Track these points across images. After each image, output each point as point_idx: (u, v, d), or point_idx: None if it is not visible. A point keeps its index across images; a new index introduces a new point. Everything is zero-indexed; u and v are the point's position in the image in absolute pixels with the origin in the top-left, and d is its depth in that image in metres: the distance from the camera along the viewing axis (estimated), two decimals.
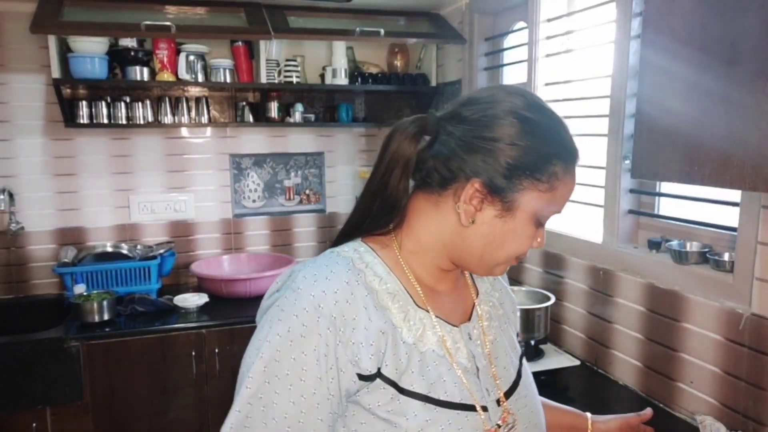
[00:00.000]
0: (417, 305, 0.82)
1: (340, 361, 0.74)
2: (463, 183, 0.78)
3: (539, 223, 0.82)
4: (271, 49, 2.67)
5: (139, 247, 2.70)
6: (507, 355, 0.91)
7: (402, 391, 0.76)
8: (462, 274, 0.93)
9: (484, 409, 0.81)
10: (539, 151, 0.77)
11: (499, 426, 0.83)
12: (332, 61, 2.74)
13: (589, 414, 1.11)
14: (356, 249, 0.83)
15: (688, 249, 1.54)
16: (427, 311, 0.82)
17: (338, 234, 0.89)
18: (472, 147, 0.78)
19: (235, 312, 2.39)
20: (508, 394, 0.87)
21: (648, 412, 1.15)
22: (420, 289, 0.83)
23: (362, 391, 0.76)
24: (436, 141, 0.81)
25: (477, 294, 0.93)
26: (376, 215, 0.84)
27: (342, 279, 0.77)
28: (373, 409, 0.76)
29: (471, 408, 0.80)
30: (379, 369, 0.76)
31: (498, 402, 0.85)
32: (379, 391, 0.76)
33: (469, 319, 0.88)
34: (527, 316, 1.80)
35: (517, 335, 0.99)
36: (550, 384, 1.75)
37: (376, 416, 0.76)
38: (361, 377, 0.75)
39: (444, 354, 0.81)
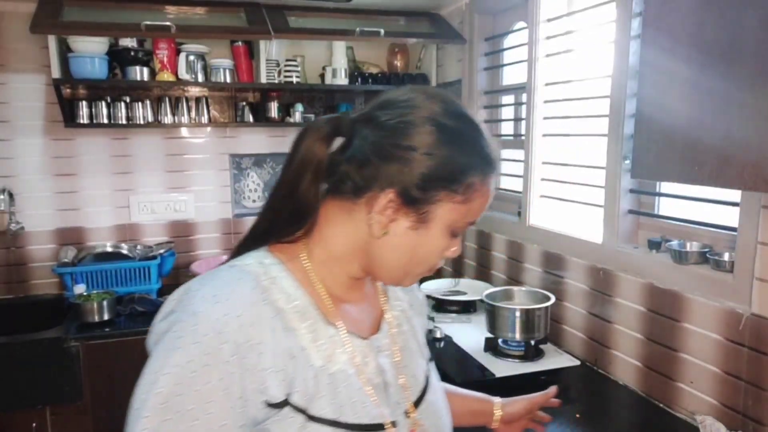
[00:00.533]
0: (327, 321, 0.77)
1: (247, 390, 0.68)
2: (377, 192, 0.74)
3: (454, 234, 0.79)
4: (271, 49, 2.67)
5: (139, 247, 2.70)
6: (415, 360, 0.89)
7: (311, 418, 0.72)
8: (369, 281, 0.89)
9: (394, 424, 0.79)
10: (456, 162, 0.74)
11: None
12: (332, 61, 2.74)
13: (497, 398, 1.13)
14: (261, 262, 0.77)
15: (688, 249, 1.54)
16: (336, 327, 0.78)
17: (241, 241, 0.82)
18: (387, 155, 0.74)
19: None
20: (418, 402, 0.86)
21: (552, 390, 1.17)
22: (329, 303, 0.79)
23: (271, 419, 0.70)
24: (350, 144, 0.77)
25: (387, 299, 0.91)
26: (285, 222, 0.78)
27: (246, 300, 0.71)
28: None
29: (380, 427, 0.77)
30: (287, 396, 0.71)
31: (407, 413, 0.83)
32: (288, 420, 0.71)
33: (379, 329, 0.85)
34: (527, 316, 1.80)
35: (428, 332, 0.99)
36: (550, 384, 1.74)
37: None
38: (269, 405, 0.70)
39: (353, 372, 0.77)
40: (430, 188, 0.74)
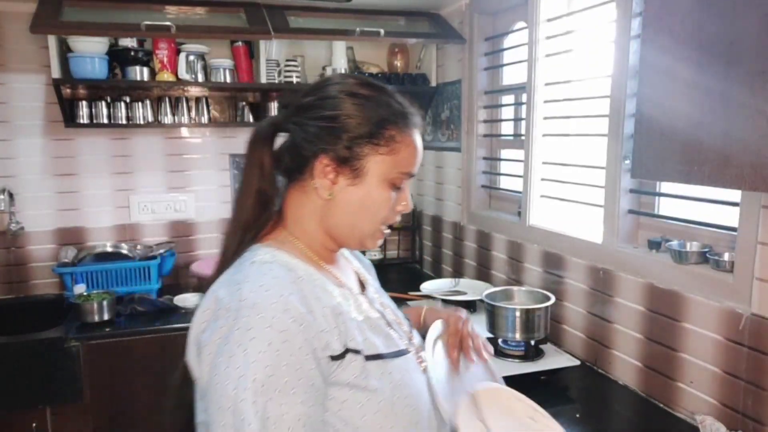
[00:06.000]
0: (337, 283, 0.92)
1: (317, 351, 0.78)
2: (314, 162, 0.89)
3: (394, 186, 0.91)
4: (271, 49, 2.67)
5: (139, 247, 2.70)
6: (391, 303, 1.07)
7: (366, 357, 0.84)
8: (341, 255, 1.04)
9: (410, 351, 0.96)
10: (372, 119, 0.88)
11: (420, 358, 0.98)
12: (332, 61, 2.74)
13: (424, 308, 1.22)
14: (272, 254, 0.87)
15: (688, 249, 1.54)
16: (347, 287, 0.93)
17: (227, 248, 0.92)
18: (315, 129, 0.88)
19: None
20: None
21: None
22: (329, 269, 0.93)
23: (336, 371, 0.81)
24: (289, 135, 0.92)
25: (351, 266, 1.06)
26: (254, 216, 0.92)
27: (287, 280, 0.82)
28: (351, 381, 0.82)
29: (405, 352, 0.93)
30: (346, 346, 0.82)
31: (410, 340, 1.00)
32: (352, 364, 0.82)
33: (364, 287, 1.02)
34: (527, 316, 1.80)
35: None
36: (550, 384, 1.75)
37: (354, 387, 0.82)
38: (333, 358, 0.81)
39: (375, 317, 0.93)
40: (355, 146, 0.88)
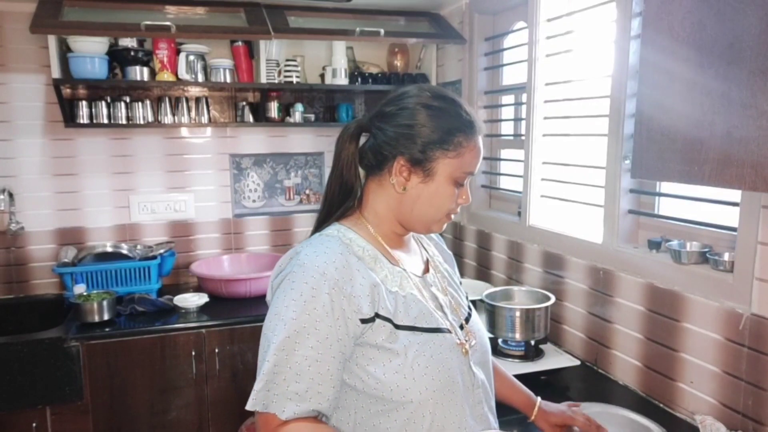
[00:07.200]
0: (393, 263, 1.08)
1: (346, 311, 0.96)
2: (392, 162, 1.05)
3: (457, 183, 1.06)
4: (271, 49, 2.67)
5: (139, 247, 2.70)
6: (458, 293, 1.20)
7: (396, 326, 1.00)
8: (413, 241, 1.20)
9: (455, 331, 1.08)
10: (443, 128, 1.03)
11: (466, 341, 1.10)
12: (332, 61, 2.74)
13: (539, 398, 1.33)
14: (338, 230, 1.07)
15: (688, 249, 1.54)
16: (401, 267, 1.08)
17: (316, 222, 1.14)
18: (395, 134, 1.04)
19: (235, 312, 2.39)
20: (467, 320, 1.15)
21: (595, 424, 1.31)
22: (392, 252, 1.09)
23: (367, 332, 0.98)
24: (371, 136, 1.08)
25: (427, 254, 1.21)
26: (339, 202, 1.10)
27: (337, 251, 1.00)
28: (379, 343, 0.98)
29: (445, 331, 1.06)
30: (376, 312, 0.99)
31: (461, 327, 1.12)
32: (381, 328, 0.99)
33: (428, 271, 1.16)
34: (527, 316, 1.80)
35: (460, 282, 1.27)
36: (550, 384, 1.75)
37: (381, 348, 0.98)
38: (363, 321, 0.98)
39: (419, 295, 1.07)
40: (428, 150, 1.03)
